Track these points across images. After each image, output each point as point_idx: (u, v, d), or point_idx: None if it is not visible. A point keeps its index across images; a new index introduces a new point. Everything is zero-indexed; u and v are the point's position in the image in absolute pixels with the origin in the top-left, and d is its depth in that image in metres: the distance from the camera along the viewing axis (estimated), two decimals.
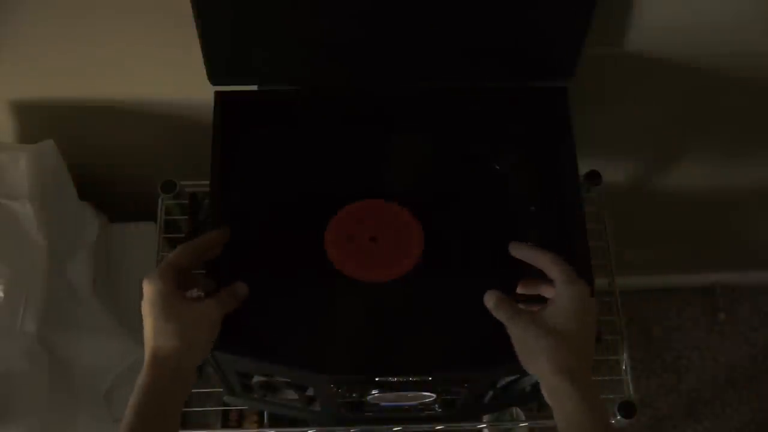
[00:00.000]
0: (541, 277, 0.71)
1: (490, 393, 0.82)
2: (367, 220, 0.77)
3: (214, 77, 0.82)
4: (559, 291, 0.68)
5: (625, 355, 0.90)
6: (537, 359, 0.67)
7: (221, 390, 0.85)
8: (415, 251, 0.75)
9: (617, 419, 0.88)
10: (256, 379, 0.79)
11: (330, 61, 0.83)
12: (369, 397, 0.79)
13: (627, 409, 0.87)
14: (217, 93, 0.82)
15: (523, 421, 1.03)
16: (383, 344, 0.73)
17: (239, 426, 1.08)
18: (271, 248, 0.77)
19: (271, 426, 1.01)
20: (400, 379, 0.74)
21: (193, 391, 1.01)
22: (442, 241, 0.77)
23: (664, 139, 1.09)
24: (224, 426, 1.06)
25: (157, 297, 0.69)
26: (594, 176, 0.97)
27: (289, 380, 0.78)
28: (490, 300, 0.70)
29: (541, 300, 0.71)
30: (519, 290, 0.74)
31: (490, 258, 0.76)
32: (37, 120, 1.00)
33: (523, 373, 0.78)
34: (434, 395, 0.79)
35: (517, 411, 1.04)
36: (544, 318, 0.67)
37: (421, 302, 0.75)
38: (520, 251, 0.73)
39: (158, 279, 0.69)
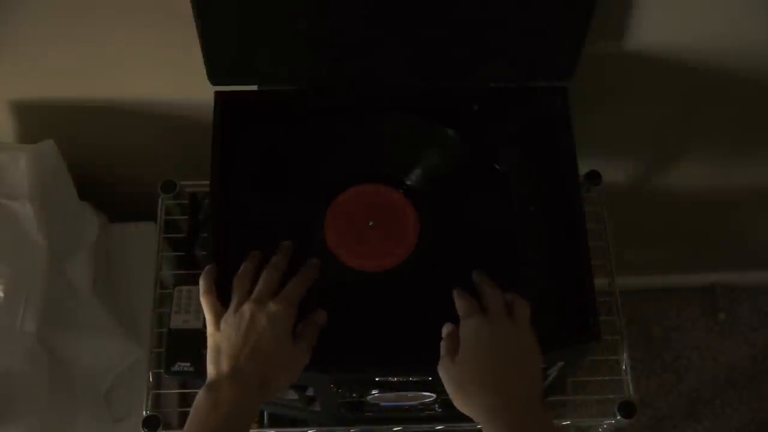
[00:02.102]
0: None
1: None
2: (365, 208, 0.78)
3: (214, 77, 0.82)
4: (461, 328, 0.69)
5: (625, 355, 0.90)
6: (463, 408, 0.67)
7: None
8: (411, 236, 0.77)
9: (617, 419, 0.88)
10: None
11: (330, 61, 0.83)
12: (369, 397, 0.79)
13: (627, 409, 0.87)
14: (217, 93, 0.82)
15: None
16: (383, 344, 0.73)
17: None
18: (271, 247, 0.77)
19: (271, 426, 1.01)
20: (400, 379, 0.74)
21: (193, 391, 1.02)
22: (441, 241, 0.78)
23: (664, 139, 1.09)
24: None
25: (282, 321, 0.68)
26: (594, 176, 0.97)
27: None
28: (444, 329, 0.71)
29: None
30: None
31: (489, 258, 0.76)
32: (37, 120, 1.00)
33: None
34: (434, 395, 0.79)
35: None
36: (453, 363, 0.67)
37: (421, 302, 0.75)
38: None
39: (290, 305, 0.69)
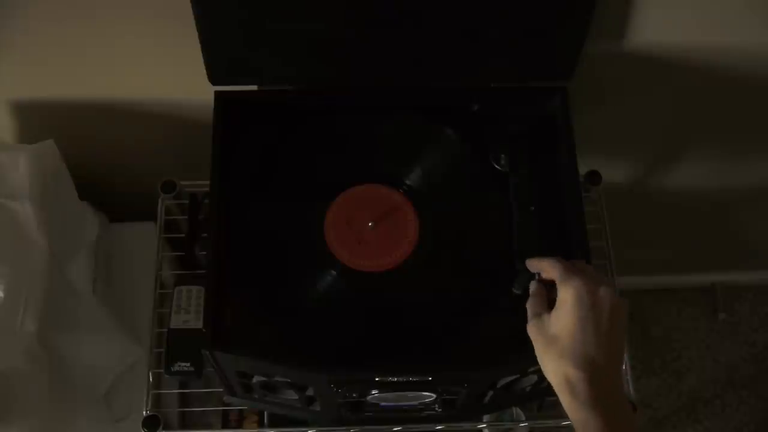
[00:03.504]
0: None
1: (490, 393, 0.82)
2: (365, 208, 0.78)
3: (214, 77, 0.82)
4: (558, 293, 0.66)
5: (625, 355, 0.90)
6: (544, 370, 0.66)
7: (221, 390, 0.85)
8: (411, 236, 0.76)
9: None
10: (256, 379, 0.79)
11: (330, 61, 0.83)
12: (369, 397, 0.79)
13: None
14: (217, 93, 0.82)
15: (523, 421, 1.03)
16: (383, 344, 0.73)
17: (239, 426, 1.08)
18: (271, 248, 0.77)
19: (271, 426, 1.01)
20: (400, 379, 0.74)
21: (193, 391, 1.02)
22: (441, 241, 0.78)
23: (663, 139, 1.09)
24: (224, 426, 1.06)
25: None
26: (594, 176, 0.97)
27: (289, 380, 0.78)
28: (531, 286, 0.70)
29: None
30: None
31: (489, 258, 0.76)
32: (37, 120, 1.00)
33: (523, 373, 0.78)
34: (434, 395, 0.79)
35: (517, 411, 1.04)
36: (546, 325, 0.66)
37: (421, 301, 0.75)
38: (532, 264, 0.71)
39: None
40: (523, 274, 0.72)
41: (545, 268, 0.69)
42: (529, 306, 0.69)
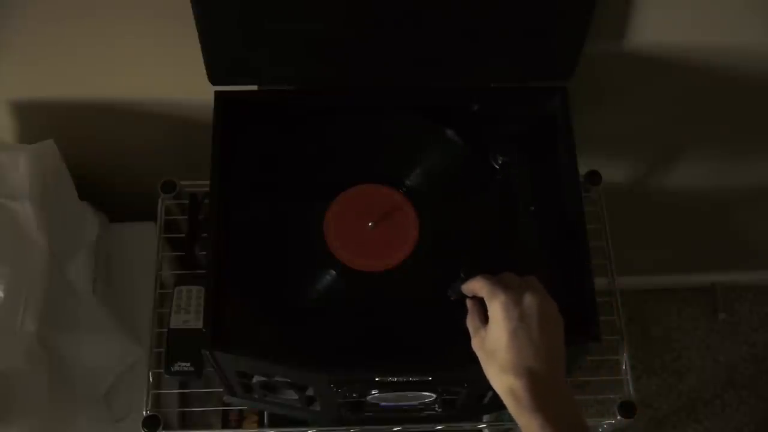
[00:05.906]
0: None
1: (490, 393, 0.82)
2: (365, 208, 0.78)
3: (214, 77, 0.82)
4: (488, 310, 0.68)
5: (625, 355, 0.90)
6: (490, 381, 0.67)
7: (221, 390, 0.85)
8: (411, 236, 0.77)
9: (617, 419, 0.88)
10: (256, 379, 0.79)
11: (330, 61, 0.83)
12: (369, 397, 0.79)
13: (627, 409, 0.87)
14: (217, 93, 0.82)
15: None
16: (383, 344, 0.73)
17: (239, 426, 1.08)
18: (271, 248, 0.77)
19: (271, 426, 1.01)
20: (400, 379, 0.74)
21: (193, 391, 1.02)
22: (441, 241, 0.78)
23: (663, 139, 1.09)
24: (224, 426, 1.06)
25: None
26: (594, 176, 0.97)
27: (289, 380, 0.78)
28: (468, 303, 0.71)
29: None
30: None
31: (489, 258, 0.76)
32: (37, 120, 1.00)
33: None
34: (434, 395, 0.79)
35: None
36: (485, 340, 0.68)
37: (421, 302, 0.75)
38: (466, 289, 0.71)
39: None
40: (458, 282, 0.72)
41: (474, 289, 0.70)
42: (469, 323, 0.70)
